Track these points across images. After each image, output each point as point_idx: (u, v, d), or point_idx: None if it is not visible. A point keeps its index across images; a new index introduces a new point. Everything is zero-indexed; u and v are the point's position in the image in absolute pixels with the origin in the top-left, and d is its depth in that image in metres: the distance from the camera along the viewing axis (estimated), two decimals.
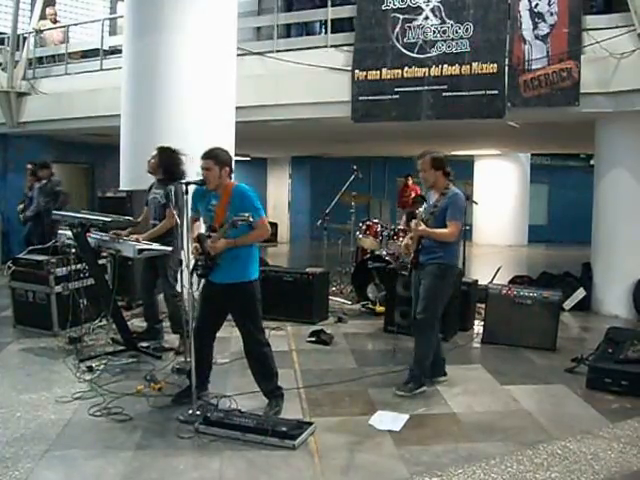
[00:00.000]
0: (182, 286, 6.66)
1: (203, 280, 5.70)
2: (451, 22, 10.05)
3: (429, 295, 6.26)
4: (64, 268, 8.24)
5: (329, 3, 11.14)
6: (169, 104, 9.17)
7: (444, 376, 6.69)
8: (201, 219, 5.90)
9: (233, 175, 5.75)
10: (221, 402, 5.69)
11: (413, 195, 15.10)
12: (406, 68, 10.36)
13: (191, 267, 5.57)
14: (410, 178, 18.66)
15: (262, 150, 20.25)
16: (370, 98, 10.62)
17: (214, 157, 5.53)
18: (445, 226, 6.20)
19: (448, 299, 6.49)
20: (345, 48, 10.87)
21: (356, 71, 10.68)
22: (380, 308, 9.58)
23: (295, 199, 22.81)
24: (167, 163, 7.44)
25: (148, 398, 5.97)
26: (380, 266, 9.93)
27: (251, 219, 5.25)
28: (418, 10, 10.27)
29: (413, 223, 6.28)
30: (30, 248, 8.98)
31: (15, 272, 8.52)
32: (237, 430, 5.10)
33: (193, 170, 6.29)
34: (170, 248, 7.03)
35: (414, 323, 6.44)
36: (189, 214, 5.65)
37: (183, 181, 5.70)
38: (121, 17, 11.90)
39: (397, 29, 10.39)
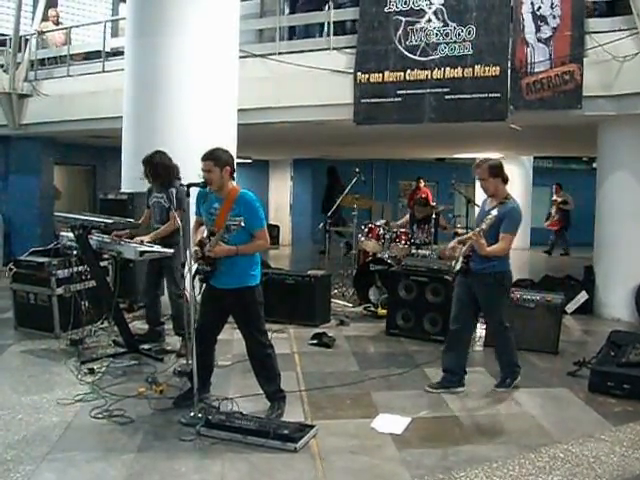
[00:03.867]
0: (183, 288, 6.67)
1: (204, 284, 5.70)
2: (454, 25, 10.03)
3: (491, 305, 6.52)
4: (66, 270, 8.25)
5: (331, 5, 11.14)
6: (171, 106, 9.17)
7: (462, 387, 6.63)
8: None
9: (235, 175, 5.74)
10: (223, 404, 5.69)
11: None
12: (408, 71, 10.34)
13: (193, 271, 5.58)
14: (422, 181, 18.83)
15: (264, 152, 20.23)
16: (372, 101, 10.60)
17: (214, 159, 5.52)
18: (497, 235, 6.23)
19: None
20: (347, 50, 10.86)
21: (358, 73, 10.66)
22: (382, 311, 9.57)
23: (297, 201, 22.77)
24: (158, 169, 7.48)
25: (150, 400, 5.96)
26: (382, 269, 9.94)
27: (242, 224, 5.26)
28: (421, 13, 10.25)
29: (473, 233, 6.27)
30: (32, 250, 8.96)
31: (16, 274, 8.51)
32: (239, 433, 5.09)
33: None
34: (171, 250, 7.03)
35: (494, 331, 6.81)
36: (193, 217, 5.66)
37: (185, 183, 5.70)
38: (123, 19, 11.89)
39: (400, 31, 10.38)
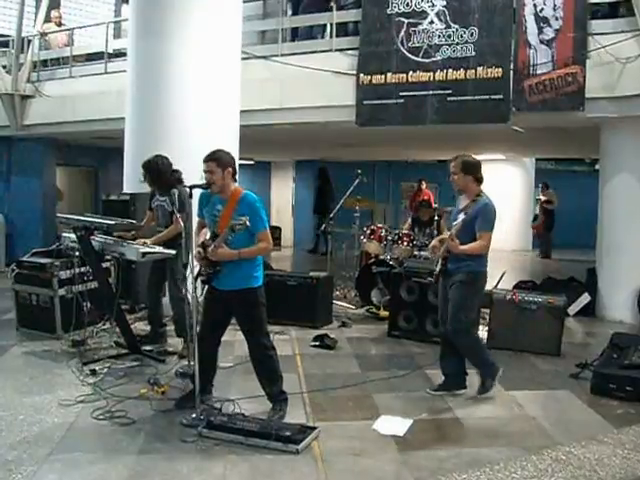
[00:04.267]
0: (186, 290, 6.67)
1: (207, 285, 5.69)
2: (456, 26, 10.03)
3: (459, 303, 6.21)
4: (68, 271, 8.24)
5: (334, 7, 11.14)
6: (173, 107, 9.17)
7: (463, 389, 6.54)
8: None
9: (237, 177, 5.73)
10: (224, 406, 5.69)
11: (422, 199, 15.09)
12: (411, 72, 10.36)
13: (195, 272, 5.57)
14: (423, 182, 18.84)
15: (266, 154, 20.24)
16: (375, 102, 10.61)
17: (216, 159, 5.52)
18: (473, 234, 6.10)
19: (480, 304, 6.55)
20: (350, 52, 10.88)
21: (361, 75, 10.67)
22: (384, 312, 9.56)
23: (299, 203, 22.76)
24: (157, 174, 7.49)
25: (151, 402, 5.95)
26: (384, 270, 9.92)
27: (248, 223, 5.23)
28: (423, 14, 10.26)
29: (447, 235, 6.18)
30: (34, 250, 8.97)
31: (19, 275, 8.51)
32: (240, 434, 5.08)
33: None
34: (174, 251, 7.03)
35: (447, 333, 6.41)
36: (195, 218, 5.66)
37: (187, 185, 5.70)
38: (125, 20, 11.90)
39: (402, 33, 10.39)
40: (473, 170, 6.26)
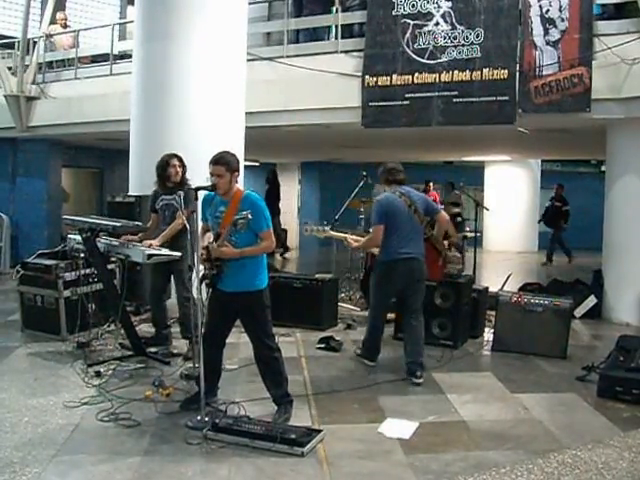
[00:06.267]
0: (191, 292, 6.66)
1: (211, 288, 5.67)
2: (462, 28, 10.01)
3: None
4: (73, 273, 8.26)
5: (339, 8, 11.13)
6: (178, 109, 9.18)
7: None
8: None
9: (241, 180, 5.72)
10: (229, 408, 5.67)
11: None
12: (416, 74, 10.33)
13: (200, 275, 5.55)
14: (430, 184, 18.82)
15: (271, 155, 20.24)
16: (380, 104, 10.59)
17: (226, 164, 5.49)
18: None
19: (387, 292, 7.27)
20: (355, 54, 10.85)
21: (366, 77, 10.65)
22: (390, 315, 9.50)
23: (304, 205, 22.76)
24: (184, 171, 7.59)
25: (156, 404, 5.95)
26: None
27: (250, 216, 5.23)
28: (428, 16, 10.24)
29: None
30: (39, 252, 8.97)
31: (24, 276, 8.52)
32: (245, 437, 5.07)
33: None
34: (179, 253, 7.02)
35: None
36: (200, 222, 5.66)
37: (194, 187, 5.69)
38: (131, 22, 11.91)
39: (407, 35, 10.36)
40: (380, 176, 7.45)
